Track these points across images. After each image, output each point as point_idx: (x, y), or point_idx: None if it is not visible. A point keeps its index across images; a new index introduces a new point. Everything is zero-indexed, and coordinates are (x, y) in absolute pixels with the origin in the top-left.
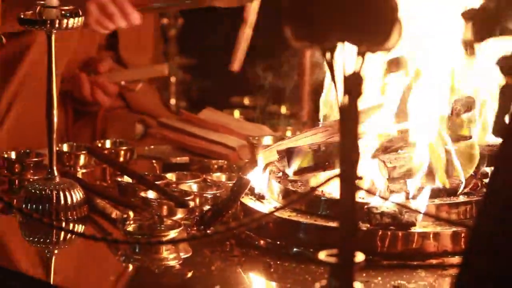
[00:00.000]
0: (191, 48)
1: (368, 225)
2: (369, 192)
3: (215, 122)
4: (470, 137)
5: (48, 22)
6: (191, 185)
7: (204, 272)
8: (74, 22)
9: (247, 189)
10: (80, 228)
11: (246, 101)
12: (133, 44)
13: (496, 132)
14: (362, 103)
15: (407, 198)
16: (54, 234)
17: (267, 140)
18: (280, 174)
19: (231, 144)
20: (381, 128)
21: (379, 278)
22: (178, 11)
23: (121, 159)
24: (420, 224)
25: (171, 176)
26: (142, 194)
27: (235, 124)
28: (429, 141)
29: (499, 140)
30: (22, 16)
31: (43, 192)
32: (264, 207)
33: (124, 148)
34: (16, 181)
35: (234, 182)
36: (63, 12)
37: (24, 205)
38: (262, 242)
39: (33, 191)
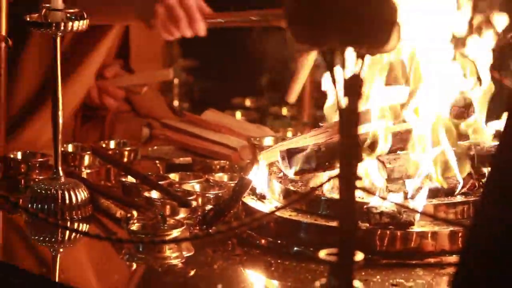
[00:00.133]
0: (194, 51)
1: (367, 225)
2: (369, 192)
3: (217, 123)
4: (468, 138)
5: (54, 24)
6: (194, 185)
7: (207, 270)
8: (79, 24)
9: (248, 189)
10: (84, 227)
11: (248, 102)
12: (144, 55)
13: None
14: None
15: (406, 198)
16: (59, 233)
17: (268, 141)
18: (281, 174)
19: (233, 144)
20: (380, 129)
21: (378, 277)
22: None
23: (125, 159)
24: (419, 224)
25: (174, 176)
26: (146, 194)
27: (236, 125)
28: (428, 142)
29: (496, 142)
30: (28, 19)
31: (49, 192)
32: (265, 207)
33: (128, 148)
34: (22, 181)
35: (236, 182)
36: (68, 15)
37: (30, 205)
38: (263, 241)
39: (38, 190)
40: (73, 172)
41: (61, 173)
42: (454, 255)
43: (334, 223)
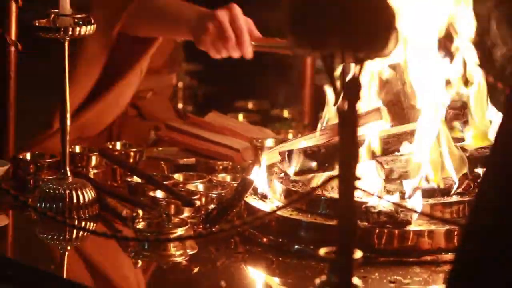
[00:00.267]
0: (197, 55)
1: (366, 224)
2: (367, 192)
3: (220, 125)
4: (463, 140)
5: (62, 29)
6: (197, 185)
7: (210, 268)
8: (86, 29)
9: (250, 189)
10: (91, 225)
11: (250, 105)
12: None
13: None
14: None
15: (403, 198)
16: (67, 232)
17: (270, 142)
18: (282, 174)
19: (236, 146)
20: (378, 131)
21: (376, 274)
22: None
23: (131, 160)
24: (416, 223)
25: (178, 177)
26: (151, 193)
27: (239, 127)
28: (425, 144)
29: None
30: (37, 24)
31: (57, 192)
32: (266, 206)
33: (134, 150)
34: (31, 181)
35: (238, 182)
36: (76, 20)
37: (38, 204)
38: (265, 239)
39: (47, 190)
40: (80, 172)
41: (69, 173)
42: (449, 253)
43: (333, 222)
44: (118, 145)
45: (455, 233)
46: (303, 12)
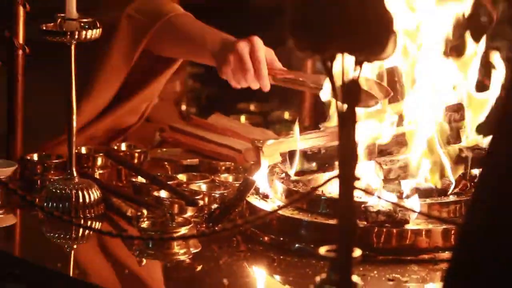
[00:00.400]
0: None
1: (365, 223)
2: (366, 192)
3: (222, 126)
4: (460, 141)
5: (68, 33)
6: (201, 185)
7: (213, 266)
8: (92, 33)
9: (252, 189)
10: (97, 225)
11: (252, 107)
12: None
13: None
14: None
15: (401, 197)
16: (73, 231)
17: (271, 143)
18: (283, 175)
19: (238, 147)
20: (377, 132)
21: (375, 272)
22: None
23: (136, 161)
24: (413, 222)
25: (182, 177)
26: (155, 193)
27: (241, 129)
28: (422, 145)
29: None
30: (44, 28)
31: (63, 192)
32: (268, 206)
33: (138, 151)
34: (38, 181)
35: (240, 182)
36: (82, 24)
37: (45, 204)
38: (266, 238)
39: (54, 190)
40: (86, 172)
41: (75, 173)
42: (447, 252)
43: (333, 221)
44: (123, 146)
45: (452, 232)
46: (304, 16)
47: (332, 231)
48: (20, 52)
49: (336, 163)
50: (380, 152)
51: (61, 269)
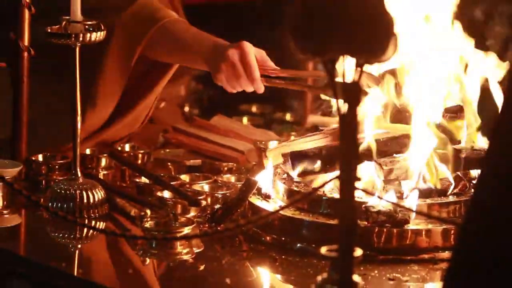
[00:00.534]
0: None
1: (366, 223)
2: (367, 192)
3: (225, 128)
4: (459, 142)
5: (73, 35)
6: (203, 186)
7: (215, 265)
8: (97, 35)
9: (254, 189)
10: (101, 224)
11: (254, 108)
12: None
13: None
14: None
15: (402, 198)
16: (77, 230)
17: (273, 144)
18: (285, 175)
19: (240, 148)
20: (377, 133)
21: (376, 272)
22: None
23: (139, 161)
24: (413, 222)
25: (185, 177)
26: (158, 193)
27: (243, 130)
28: (422, 146)
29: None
30: (49, 30)
31: (68, 192)
32: (270, 206)
33: (142, 151)
34: (43, 181)
35: (242, 183)
36: (86, 26)
37: (50, 204)
38: (268, 238)
39: (58, 190)
40: (90, 173)
41: (79, 174)
42: (446, 251)
43: (334, 221)
44: (127, 147)
45: (452, 232)
46: (306, 19)
47: (333, 231)
48: (26, 54)
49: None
50: (381, 153)
51: (66, 269)
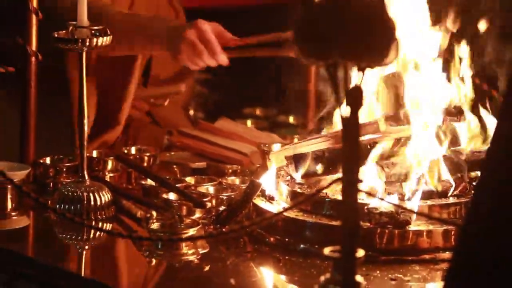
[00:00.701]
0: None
1: (368, 224)
2: (369, 194)
3: (229, 130)
4: (459, 145)
5: (80, 41)
6: (208, 188)
7: (220, 266)
8: (103, 41)
9: (258, 191)
10: (108, 226)
11: (258, 112)
12: (162, 76)
13: None
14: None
15: (403, 199)
16: (84, 232)
17: (277, 147)
18: (288, 177)
19: (244, 150)
20: (379, 136)
21: (378, 272)
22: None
23: (145, 164)
24: (415, 223)
25: (190, 180)
26: (164, 195)
27: (247, 133)
28: (423, 148)
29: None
30: (56, 36)
31: (75, 194)
32: (274, 208)
33: (148, 154)
34: (51, 184)
35: (247, 185)
36: (93, 31)
37: (58, 206)
38: (272, 239)
39: (66, 193)
40: (97, 175)
41: (86, 176)
42: (447, 252)
43: (337, 223)
44: (133, 150)
45: (452, 233)
46: (309, 24)
47: (336, 232)
48: (33, 59)
49: (340, 166)
50: (382, 155)
51: (73, 269)
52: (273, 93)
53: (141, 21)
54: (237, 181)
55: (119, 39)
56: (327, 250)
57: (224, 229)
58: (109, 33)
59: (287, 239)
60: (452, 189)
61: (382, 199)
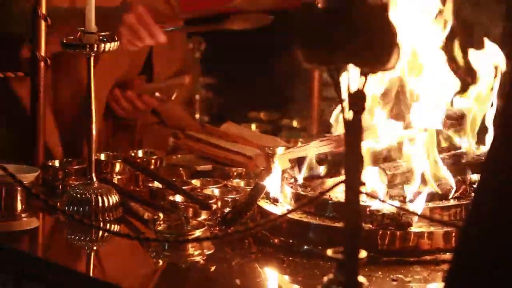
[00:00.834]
0: (213, 70)
1: (370, 226)
2: (371, 196)
3: (234, 134)
4: (460, 148)
5: (88, 46)
6: (214, 190)
7: (225, 267)
8: (110, 46)
9: (263, 193)
10: (116, 227)
11: (262, 115)
12: (165, 72)
13: None
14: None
15: (405, 201)
16: (93, 233)
17: (281, 150)
18: (292, 180)
19: (249, 153)
20: (381, 139)
21: (380, 273)
22: (201, 35)
23: (152, 167)
24: (416, 225)
25: (196, 182)
26: (171, 197)
27: (252, 136)
28: (424, 151)
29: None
30: (64, 41)
31: (83, 196)
32: (278, 210)
33: (155, 157)
34: (60, 186)
35: (251, 187)
36: (100, 37)
37: (66, 208)
38: (276, 240)
39: (74, 195)
40: (105, 178)
41: (94, 179)
42: (448, 253)
43: (340, 224)
44: (140, 153)
45: (453, 234)
46: (312, 29)
47: (339, 233)
48: (42, 64)
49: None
50: (384, 158)
51: (81, 270)
52: (277, 97)
53: (76, 10)
54: (242, 183)
55: (60, 28)
56: (330, 251)
57: (229, 231)
58: (116, 39)
59: (291, 241)
60: (452, 191)
61: (384, 201)
